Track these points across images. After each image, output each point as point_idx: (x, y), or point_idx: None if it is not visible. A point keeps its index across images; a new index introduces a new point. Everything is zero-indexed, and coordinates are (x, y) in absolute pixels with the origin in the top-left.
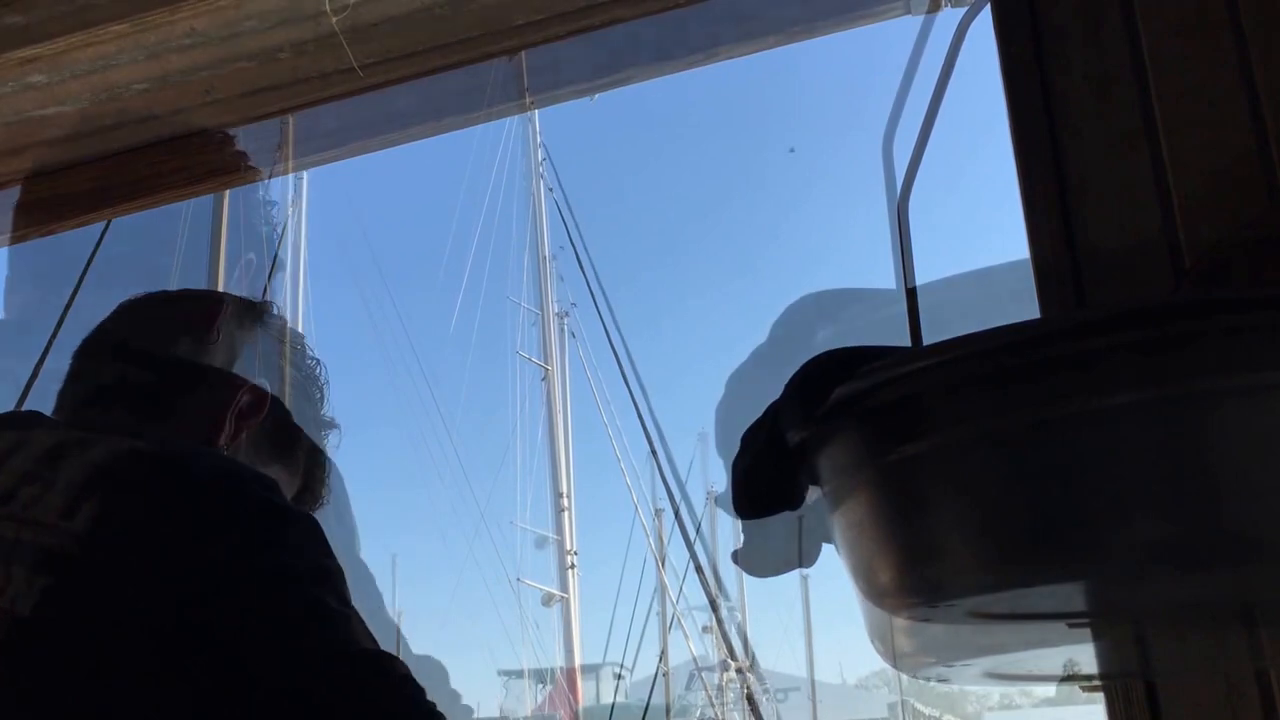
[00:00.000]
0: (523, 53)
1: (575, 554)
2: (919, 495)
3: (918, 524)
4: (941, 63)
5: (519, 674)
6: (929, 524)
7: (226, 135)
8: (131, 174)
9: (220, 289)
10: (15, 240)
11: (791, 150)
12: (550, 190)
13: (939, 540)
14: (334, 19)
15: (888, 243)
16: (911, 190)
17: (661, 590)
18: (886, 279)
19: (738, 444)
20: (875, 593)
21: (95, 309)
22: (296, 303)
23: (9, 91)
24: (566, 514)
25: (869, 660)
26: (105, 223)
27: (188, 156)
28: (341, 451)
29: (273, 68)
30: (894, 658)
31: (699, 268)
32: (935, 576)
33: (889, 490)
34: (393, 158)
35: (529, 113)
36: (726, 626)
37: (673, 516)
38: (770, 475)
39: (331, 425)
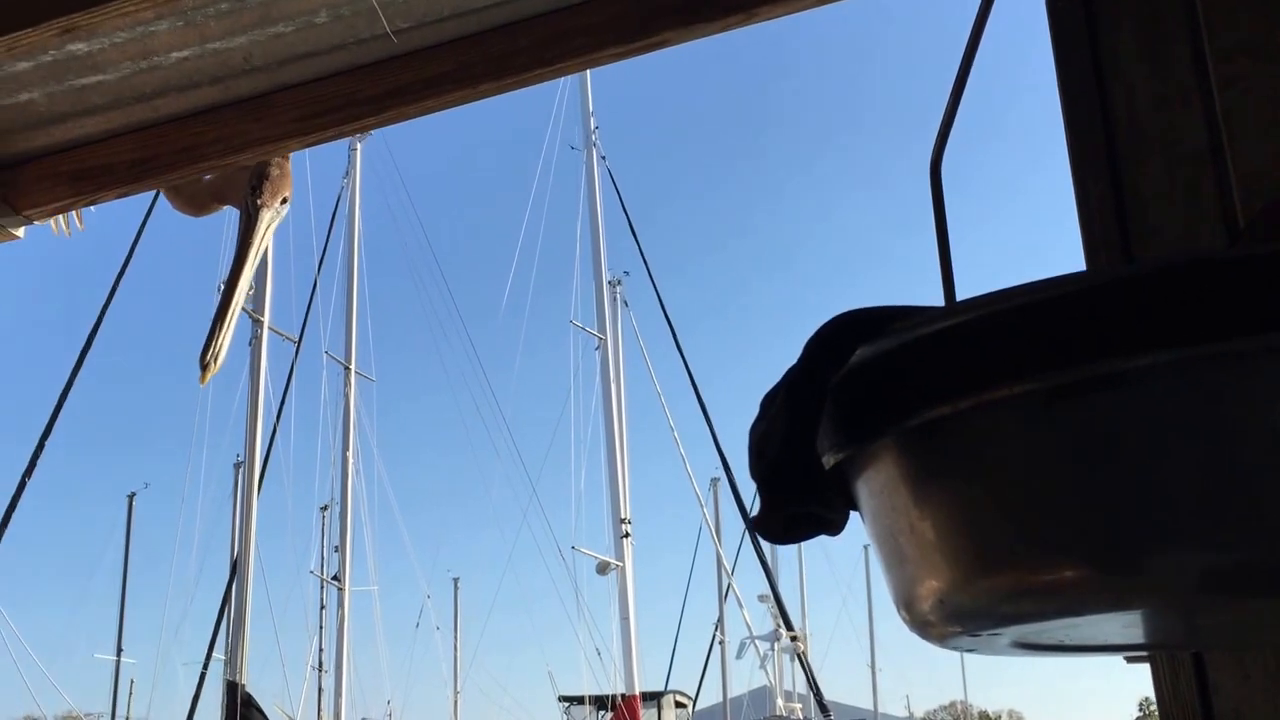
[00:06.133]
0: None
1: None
2: (955, 487)
3: (956, 525)
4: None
5: (580, 700)
6: (968, 524)
7: (266, 105)
8: (173, 144)
9: None
10: (60, 210)
11: None
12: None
13: (976, 553)
14: None
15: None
16: (944, 150)
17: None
18: (936, 294)
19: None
20: (917, 623)
21: None
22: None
23: (50, 60)
24: (628, 540)
25: (936, 693)
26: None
27: (226, 126)
28: (406, 475)
29: (310, 33)
30: (920, 627)
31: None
32: (972, 603)
33: (921, 491)
34: (456, 162)
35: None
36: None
37: (737, 543)
38: (783, 438)
39: None
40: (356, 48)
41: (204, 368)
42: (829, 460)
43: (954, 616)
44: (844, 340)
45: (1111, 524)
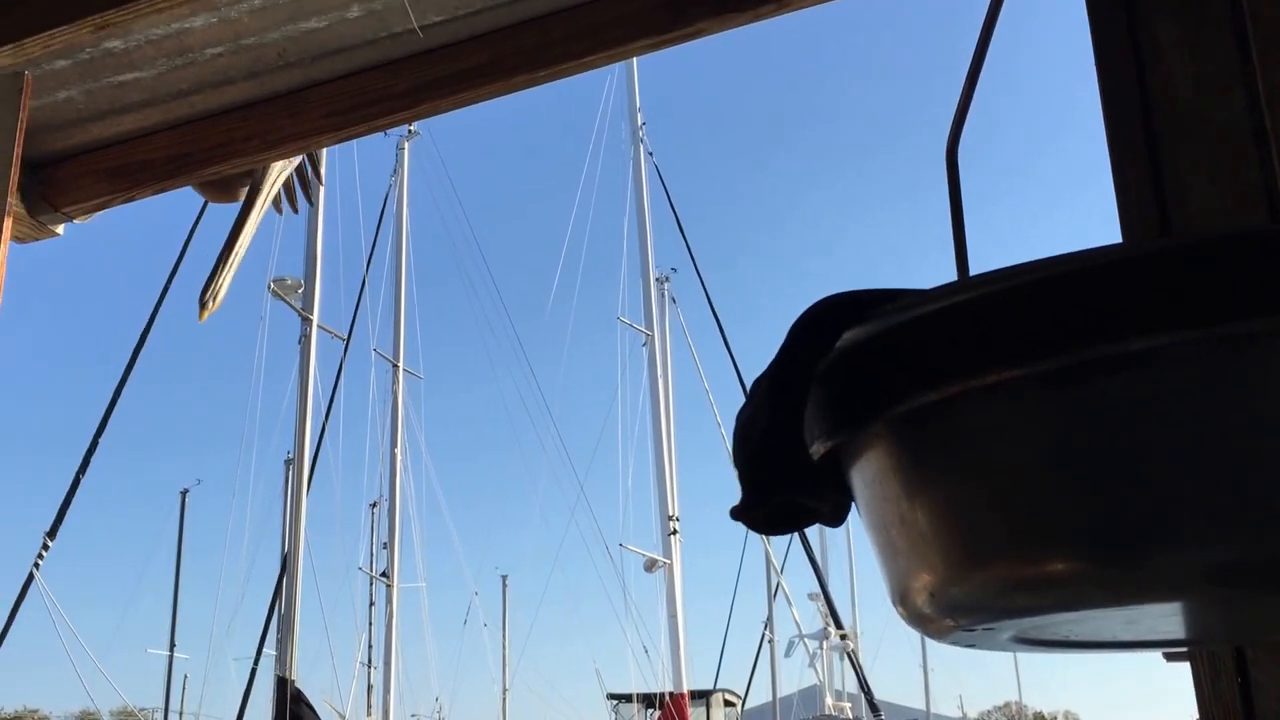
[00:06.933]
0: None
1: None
2: (943, 473)
3: (945, 514)
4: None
5: (628, 698)
6: (956, 516)
7: (300, 100)
8: (209, 140)
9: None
10: (99, 207)
11: None
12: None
13: (968, 544)
14: None
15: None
16: (960, 136)
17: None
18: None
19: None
20: (912, 617)
21: None
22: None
23: (86, 58)
24: (676, 537)
25: (990, 693)
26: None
27: (261, 122)
28: (454, 471)
29: (343, 28)
30: (915, 620)
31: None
32: (966, 596)
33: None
34: (505, 164)
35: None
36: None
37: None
38: (766, 426)
39: None
40: (389, 42)
41: (202, 306)
42: (817, 450)
43: (948, 610)
44: (830, 324)
45: (1110, 515)
